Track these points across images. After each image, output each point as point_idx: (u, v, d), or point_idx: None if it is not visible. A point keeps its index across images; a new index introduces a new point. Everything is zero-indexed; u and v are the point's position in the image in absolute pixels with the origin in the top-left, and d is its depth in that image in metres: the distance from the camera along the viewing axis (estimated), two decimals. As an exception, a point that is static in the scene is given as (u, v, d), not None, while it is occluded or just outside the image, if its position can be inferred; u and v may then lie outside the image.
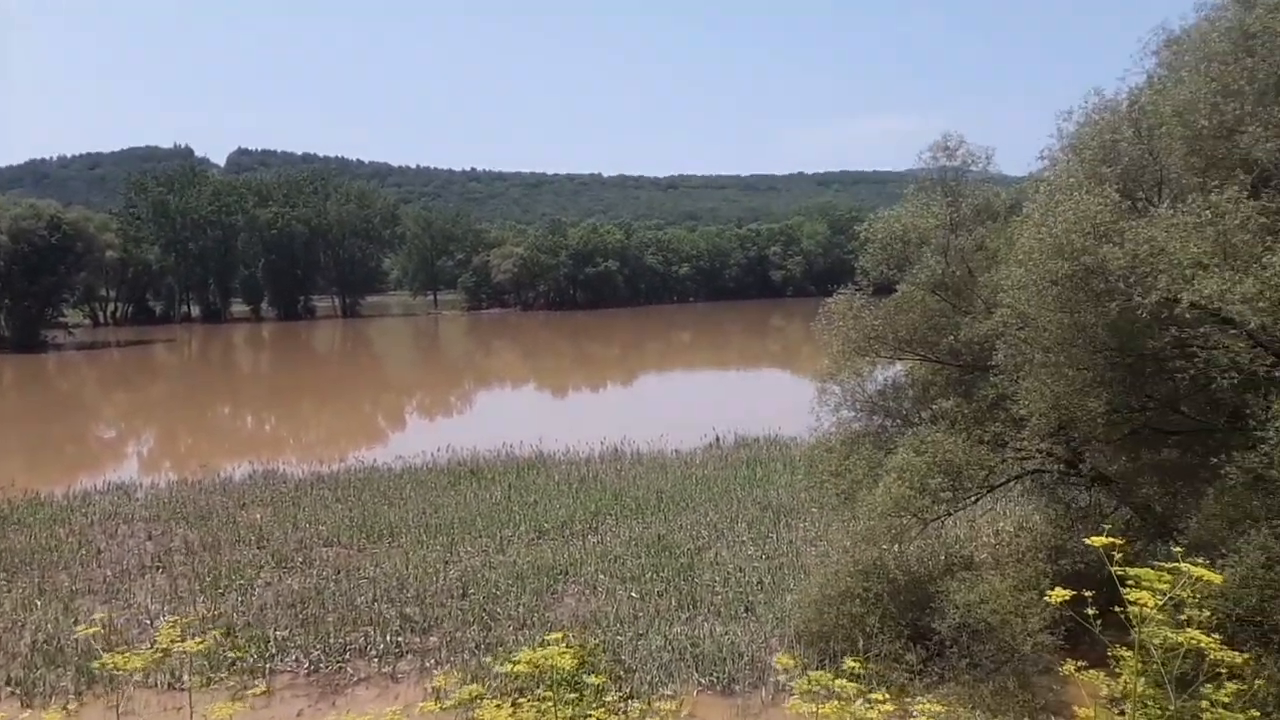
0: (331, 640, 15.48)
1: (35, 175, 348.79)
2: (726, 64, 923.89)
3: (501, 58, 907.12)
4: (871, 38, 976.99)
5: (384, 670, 14.64)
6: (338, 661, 14.93)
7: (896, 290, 15.94)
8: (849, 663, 5.76)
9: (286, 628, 16.10)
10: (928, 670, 13.01)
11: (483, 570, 18.52)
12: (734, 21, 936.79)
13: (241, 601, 17.36)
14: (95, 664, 4.98)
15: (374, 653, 15.15)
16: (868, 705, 5.22)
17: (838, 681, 5.26)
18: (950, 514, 14.90)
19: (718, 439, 31.25)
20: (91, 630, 7.58)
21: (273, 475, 28.30)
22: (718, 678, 13.62)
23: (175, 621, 5.13)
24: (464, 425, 42.16)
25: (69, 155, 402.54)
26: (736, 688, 13.40)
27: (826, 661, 12.75)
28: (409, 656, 15.05)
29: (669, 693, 13.08)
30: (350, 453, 32.19)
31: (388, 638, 15.58)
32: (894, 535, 14.08)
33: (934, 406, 16.08)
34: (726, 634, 14.91)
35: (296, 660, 14.97)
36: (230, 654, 14.67)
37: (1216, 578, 3.25)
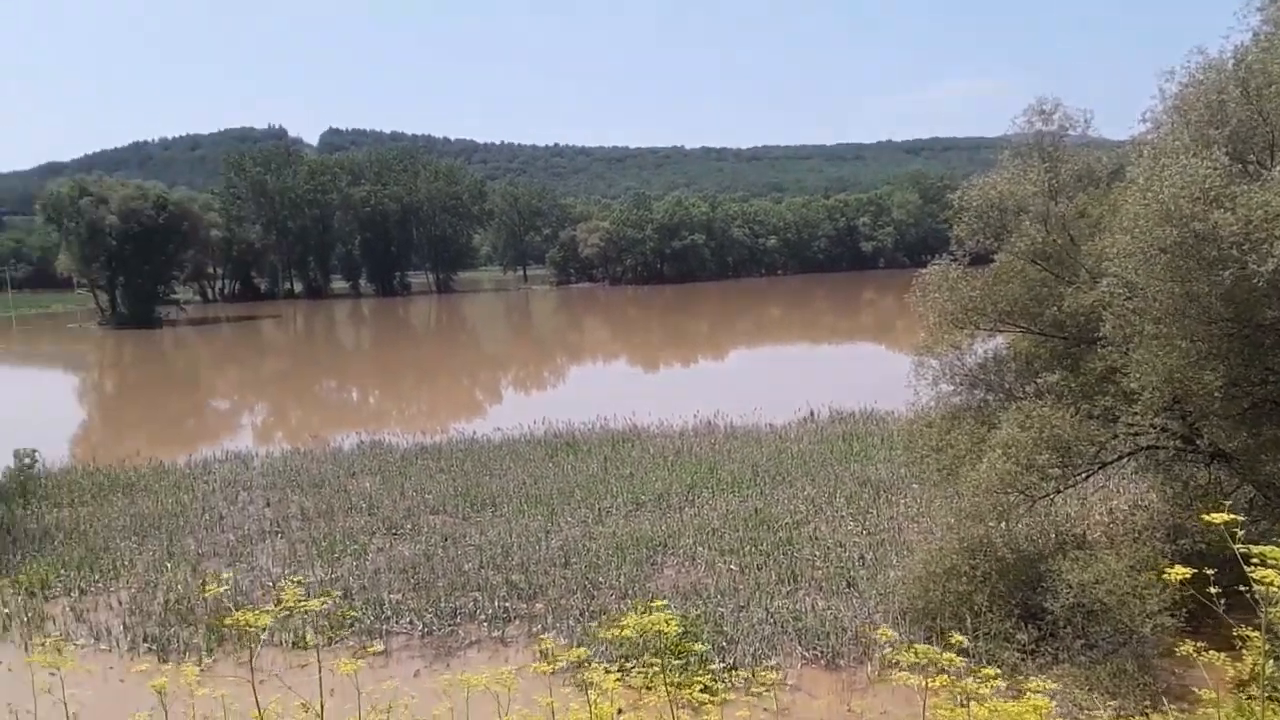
0: (443, 604, 16.06)
1: (139, 157, 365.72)
2: (805, 30, 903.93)
3: (580, 33, 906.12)
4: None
5: (494, 634, 15.15)
6: (449, 625, 15.50)
7: (994, 260, 15.56)
8: (956, 637, 5.75)
9: (399, 592, 16.76)
10: (1040, 650, 12.81)
11: (583, 540, 18.89)
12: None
13: (356, 566, 18.13)
14: (228, 620, 5.33)
15: (483, 617, 15.66)
16: (979, 681, 5.21)
17: (946, 655, 5.26)
18: (1059, 491, 14.60)
19: (812, 413, 31.05)
20: (222, 589, 8.10)
21: (380, 446, 29.32)
22: (821, 651, 13.67)
23: (300, 582, 5.45)
24: (559, 399, 42.87)
25: (170, 137, 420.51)
26: (841, 662, 13.43)
27: (933, 639, 12.68)
28: (516, 621, 15.52)
29: (772, 664, 13.22)
30: (451, 425, 33.10)
31: (495, 603, 16.08)
32: (1000, 512, 13.85)
33: (1039, 380, 15.70)
34: (829, 609, 14.92)
35: (410, 623, 15.59)
36: (351, 614, 15.39)
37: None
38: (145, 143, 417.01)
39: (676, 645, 5.97)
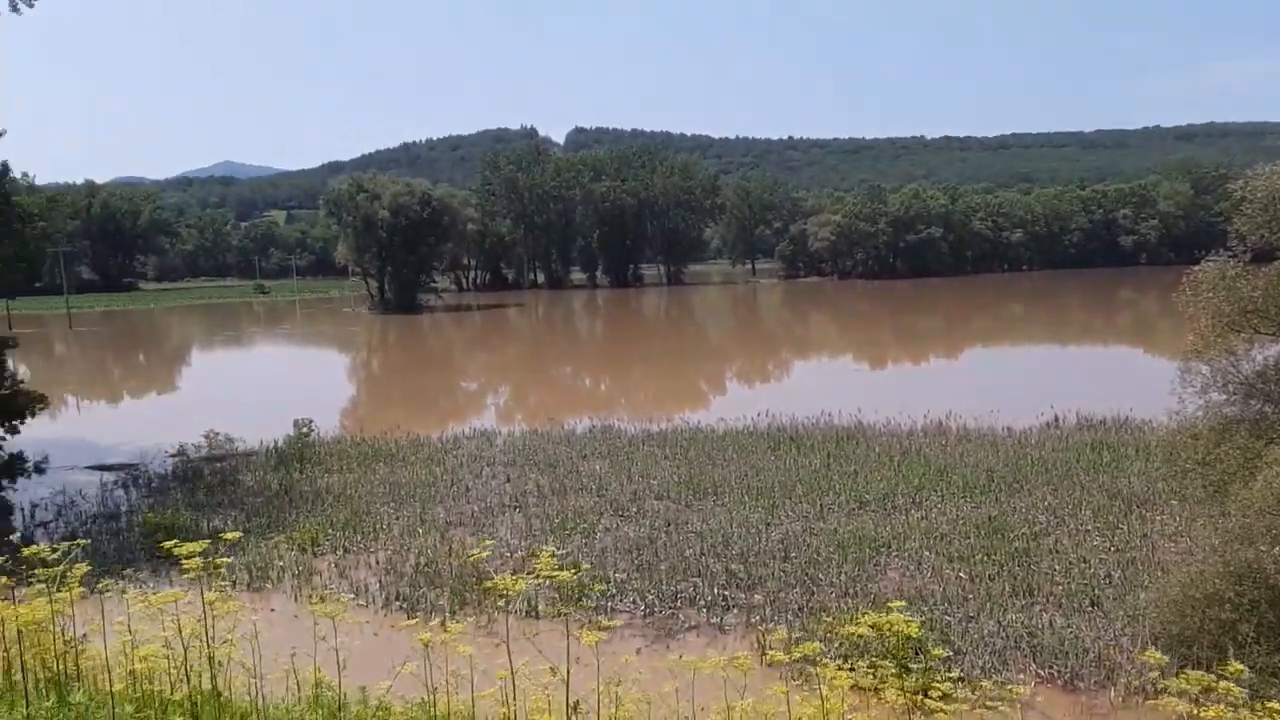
0: (664, 587, 16.53)
1: (408, 157, 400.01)
2: (1060, 6, 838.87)
3: (815, 26, 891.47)
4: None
5: (712, 620, 15.42)
6: (670, 607, 15.93)
7: (1279, 258, 13.97)
8: (1235, 666, 5.26)
9: (624, 571, 17.41)
10: (1316, 691, 11.42)
11: (803, 535, 18.78)
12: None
13: (585, 543, 19.01)
14: (487, 584, 5.83)
15: (702, 603, 15.97)
16: (1260, 715, 4.77)
17: (1222, 684, 4.85)
18: (1350, 518, 12.90)
19: (1056, 418, 29.04)
20: (484, 555, 8.91)
21: (609, 431, 30.53)
22: (1058, 671, 12.85)
23: (552, 554, 5.82)
24: (782, 392, 42.68)
25: (434, 138, 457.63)
26: (1080, 684, 12.56)
27: (1189, 668, 11.61)
28: (735, 610, 15.69)
29: (1003, 680, 12.59)
30: (676, 413, 33.83)
31: (715, 590, 16.35)
32: (1275, 536, 12.47)
33: (1330, 393, 13.98)
34: (1069, 627, 13.99)
35: (634, 602, 16.18)
36: (599, 587, 16.22)
37: None
38: (413, 143, 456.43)
39: (900, 650, 5.85)
